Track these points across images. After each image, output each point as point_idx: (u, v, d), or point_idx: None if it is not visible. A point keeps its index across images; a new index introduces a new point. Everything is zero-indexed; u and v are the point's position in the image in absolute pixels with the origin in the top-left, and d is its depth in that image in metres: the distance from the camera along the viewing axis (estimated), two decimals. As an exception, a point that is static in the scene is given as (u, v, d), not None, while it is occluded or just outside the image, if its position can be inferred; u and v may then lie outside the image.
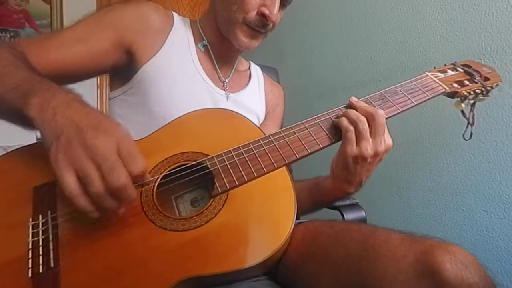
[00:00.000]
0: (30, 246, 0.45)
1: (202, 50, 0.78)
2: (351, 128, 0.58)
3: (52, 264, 0.44)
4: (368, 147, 0.57)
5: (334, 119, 0.62)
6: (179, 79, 0.72)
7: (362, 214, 0.75)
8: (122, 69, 0.71)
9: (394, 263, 0.41)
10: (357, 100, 0.63)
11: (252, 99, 0.85)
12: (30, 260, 0.44)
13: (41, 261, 0.44)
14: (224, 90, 0.79)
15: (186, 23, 0.79)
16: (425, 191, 1.11)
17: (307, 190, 0.70)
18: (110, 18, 0.68)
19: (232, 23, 0.71)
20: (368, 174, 0.62)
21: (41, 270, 0.44)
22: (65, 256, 0.45)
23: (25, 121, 0.47)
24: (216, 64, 0.79)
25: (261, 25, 0.70)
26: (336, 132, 0.60)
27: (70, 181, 0.40)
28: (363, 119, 0.58)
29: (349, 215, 0.73)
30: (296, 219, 0.53)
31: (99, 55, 0.66)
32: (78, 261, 0.45)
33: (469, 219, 1.01)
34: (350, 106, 0.62)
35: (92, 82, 1.97)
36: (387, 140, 0.59)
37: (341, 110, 0.63)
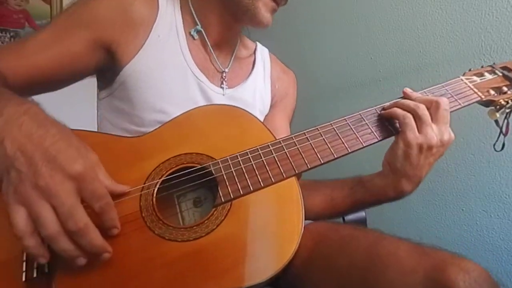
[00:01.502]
0: None
1: (196, 38, 0.68)
2: (409, 114, 0.53)
3: (46, 270, 0.42)
4: (433, 134, 0.52)
5: (353, 125, 0.57)
6: (167, 79, 0.64)
7: (362, 214, 0.75)
8: (105, 70, 0.64)
9: (401, 277, 0.39)
10: (412, 91, 0.58)
11: (254, 93, 0.75)
12: (24, 264, 0.42)
13: (35, 266, 0.42)
14: (220, 85, 0.70)
15: (176, 6, 0.68)
16: (425, 191, 1.11)
17: (347, 188, 0.64)
18: (84, 14, 0.60)
19: None
20: (429, 168, 0.55)
21: (35, 275, 0.42)
22: (60, 262, 0.42)
23: None
24: (213, 53, 0.69)
25: None
26: (354, 141, 0.55)
27: (18, 221, 0.36)
28: (422, 105, 0.53)
29: (349, 216, 0.73)
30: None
31: (77, 57, 0.59)
32: (72, 269, 0.42)
33: (469, 219, 1.01)
34: (406, 97, 0.58)
35: (92, 80, 1.96)
36: (451, 132, 0.54)
37: (361, 115, 0.58)
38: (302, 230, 0.48)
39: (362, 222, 0.75)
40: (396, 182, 0.57)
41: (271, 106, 0.80)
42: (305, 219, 0.63)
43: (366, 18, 1.32)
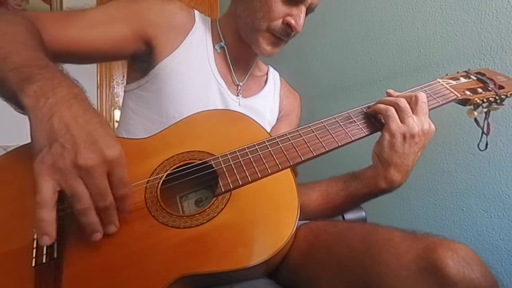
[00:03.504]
0: (35, 236, 0.46)
1: (219, 51, 0.78)
2: (390, 107, 0.59)
3: (55, 255, 0.45)
4: (414, 124, 0.57)
5: (342, 122, 0.62)
6: (193, 79, 0.72)
7: (362, 214, 0.75)
8: (141, 61, 0.72)
9: (396, 258, 0.41)
10: (394, 91, 0.64)
11: (265, 105, 0.84)
12: (34, 250, 0.45)
13: (45, 251, 0.45)
14: (237, 94, 0.79)
15: (207, 23, 0.79)
16: (425, 191, 1.11)
17: (341, 182, 0.67)
18: (135, 8, 0.69)
19: (256, 30, 0.70)
20: (415, 158, 0.60)
21: (44, 260, 0.44)
22: (69, 247, 0.46)
23: (20, 106, 0.44)
24: (231, 67, 0.79)
25: (284, 34, 0.70)
26: (343, 136, 0.60)
27: (46, 191, 0.39)
28: (403, 99, 0.59)
29: (349, 215, 0.73)
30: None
31: (119, 42, 0.66)
32: (81, 254, 0.46)
33: (469, 219, 1.01)
34: (388, 96, 0.64)
35: (92, 80, 1.97)
36: (430, 123, 0.60)
37: (349, 113, 0.63)
38: (298, 216, 0.51)
39: (363, 222, 0.75)
40: (386, 172, 0.61)
41: (278, 119, 0.88)
42: (305, 218, 0.64)
43: (366, 18, 1.32)
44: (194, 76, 0.72)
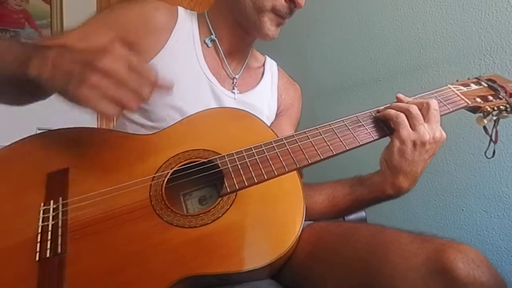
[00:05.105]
0: (39, 230, 0.46)
1: (209, 45, 0.74)
2: (401, 114, 0.58)
3: (59, 250, 0.45)
4: (425, 132, 0.56)
5: (350, 125, 0.61)
6: (182, 80, 0.69)
7: (362, 214, 0.75)
8: None
9: (404, 260, 0.41)
10: (404, 96, 0.63)
11: (262, 100, 0.81)
12: (38, 244, 0.45)
13: (48, 246, 0.45)
14: (231, 89, 0.75)
15: (193, 18, 0.76)
16: (425, 191, 1.11)
17: (348, 186, 0.67)
18: (112, 18, 0.68)
19: (259, 11, 0.67)
20: (424, 165, 0.59)
21: (48, 255, 0.44)
22: (72, 243, 0.46)
23: (32, 87, 0.48)
24: (225, 60, 0.75)
25: (288, 12, 0.69)
26: (351, 140, 0.59)
27: (89, 94, 0.42)
28: (414, 106, 0.58)
29: (350, 216, 0.73)
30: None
31: None
32: (84, 250, 0.46)
33: (469, 219, 1.01)
34: (398, 101, 0.63)
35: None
36: (442, 131, 0.59)
37: (357, 117, 0.62)
38: (304, 219, 0.50)
39: (362, 222, 0.75)
40: (394, 179, 0.60)
41: (277, 115, 0.85)
42: (309, 219, 0.64)
43: (366, 18, 1.32)
44: (182, 76, 0.69)
